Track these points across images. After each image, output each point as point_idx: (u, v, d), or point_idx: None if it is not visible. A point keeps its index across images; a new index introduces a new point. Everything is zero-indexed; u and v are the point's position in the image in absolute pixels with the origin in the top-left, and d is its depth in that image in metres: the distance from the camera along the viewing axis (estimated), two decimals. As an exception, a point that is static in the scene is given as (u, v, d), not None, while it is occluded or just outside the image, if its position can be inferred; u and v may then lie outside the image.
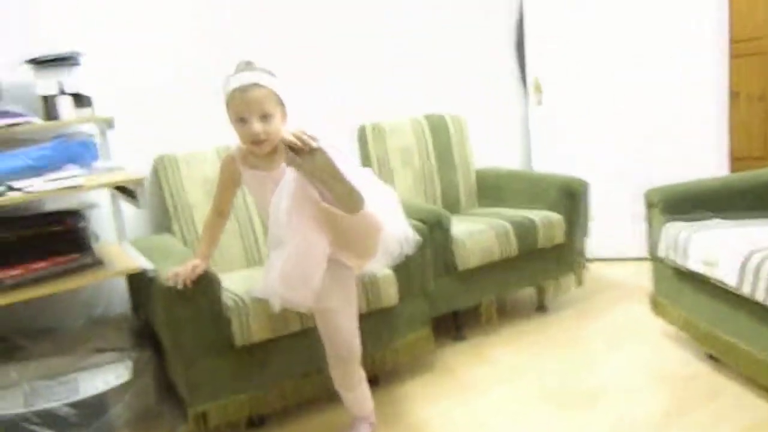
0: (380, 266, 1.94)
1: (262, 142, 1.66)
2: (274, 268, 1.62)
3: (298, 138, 1.47)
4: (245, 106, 1.62)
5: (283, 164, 1.62)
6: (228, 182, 1.84)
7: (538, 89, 3.38)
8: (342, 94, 2.91)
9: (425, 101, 3.13)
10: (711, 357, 2.16)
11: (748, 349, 1.86)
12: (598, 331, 2.54)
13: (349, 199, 1.53)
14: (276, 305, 1.68)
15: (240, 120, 1.64)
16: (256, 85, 1.63)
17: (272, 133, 1.65)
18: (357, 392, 1.84)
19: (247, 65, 1.67)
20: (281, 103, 1.68)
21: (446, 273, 2.40)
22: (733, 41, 3.26)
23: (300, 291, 1.61)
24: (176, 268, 1.75)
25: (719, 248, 1.91)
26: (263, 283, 1.70)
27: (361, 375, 1.83)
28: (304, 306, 1.72)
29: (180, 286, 1.72)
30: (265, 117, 1.63)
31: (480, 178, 3.09)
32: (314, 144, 1.47)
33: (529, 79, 3.42)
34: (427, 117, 3.01)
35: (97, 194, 2.27)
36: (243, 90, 1.62)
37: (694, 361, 2.19)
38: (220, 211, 1.89)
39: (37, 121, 1.95)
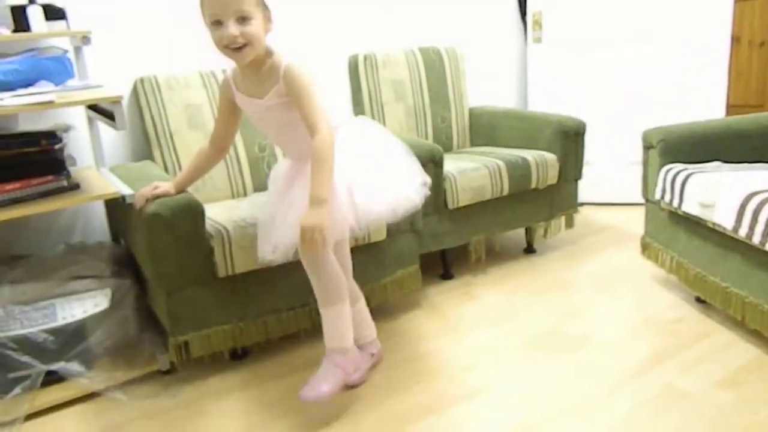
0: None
1: (242, 48, 1.47)
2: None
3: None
4: (219, 6, 1.43)
5: (273, 90, 1.53)
6: (224, 108, 1.70)
7: (537, 25, 3.25)
8: (334, 20, 2.77)
9: (419, 34, 3.00)
10: (699, 300, 2.16)
11: (739, 292, 1.84)
12: (586, 274, 2.52)
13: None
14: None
15: (215, 23, 1.46)
16: None
17: (253, 37, 1.46)
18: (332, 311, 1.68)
19: None
20: (264, 6, 1.50)
21: (436, 211, 2.34)
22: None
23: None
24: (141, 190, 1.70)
25: (717, 190, 1.87)
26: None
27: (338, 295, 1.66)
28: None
29: (138, 206, 1.66)
30: (243, 19, 1.44)
31: (473, 117, 3.00)
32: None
33: (529, 14, 3.29)
34: (422, 50, 2.88)
35: (75, 116, 2.17)
36: None
37: (683, 304, 2.18)
38: (217, 143, 1.75)
39: (5, 32, 1.81)
